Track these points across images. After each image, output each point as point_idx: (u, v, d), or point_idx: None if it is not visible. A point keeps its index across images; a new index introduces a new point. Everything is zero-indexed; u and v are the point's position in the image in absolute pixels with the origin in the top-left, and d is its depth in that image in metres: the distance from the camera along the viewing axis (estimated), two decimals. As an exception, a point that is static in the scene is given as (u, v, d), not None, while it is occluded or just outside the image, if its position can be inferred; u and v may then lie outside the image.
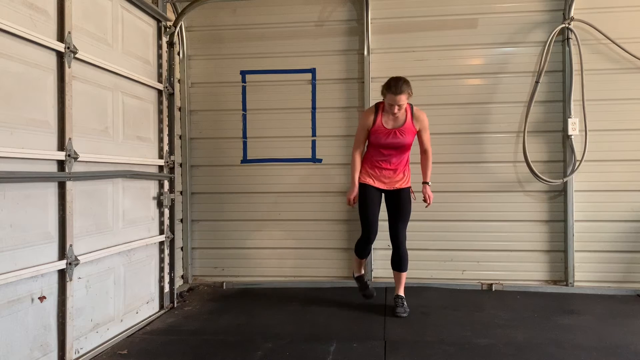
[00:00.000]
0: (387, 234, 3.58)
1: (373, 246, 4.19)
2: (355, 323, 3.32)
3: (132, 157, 3.28)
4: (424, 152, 3.57)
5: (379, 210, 3.57)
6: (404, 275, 3.59)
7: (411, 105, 3.47)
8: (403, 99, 3.28)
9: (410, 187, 3.56)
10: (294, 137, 4.35)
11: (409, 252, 3.56)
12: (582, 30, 3.99)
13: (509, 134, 4.14)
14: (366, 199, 3.53)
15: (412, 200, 3.55)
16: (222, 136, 4.42)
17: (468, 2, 4.12)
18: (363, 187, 3.54)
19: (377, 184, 3.53)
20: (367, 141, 3.55)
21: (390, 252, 3.60)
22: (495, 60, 4.14)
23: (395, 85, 3.26)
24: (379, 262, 4.22)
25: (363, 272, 3.82)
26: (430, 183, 3.58)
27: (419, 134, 3.49)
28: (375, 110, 3.45)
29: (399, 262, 3.55)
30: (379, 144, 3.47)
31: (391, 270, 3.63)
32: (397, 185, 3.54)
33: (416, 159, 3.62)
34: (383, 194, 3.57)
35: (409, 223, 3.55)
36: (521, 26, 4.10)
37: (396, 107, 3.31)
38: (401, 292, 3.57)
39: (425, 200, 3.58)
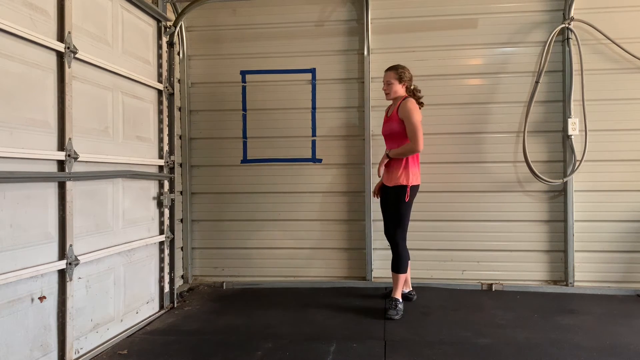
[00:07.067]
0: (387, 234, 3.60)
1: (373, 246, 4.20)
2: (355, 323, 3.32)
3: (132, 157, 3.28)
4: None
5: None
6: (400, 277, 3.52)
7: (406, 98, 3.49)
8: (389, 75, 3.54)
9: (400, 186, 3.42)
10: (294, 137, 4.35)
11: (409, 252, 3.54)
12: (582, 30, 3.99)
13: (509, 134, 4.14)
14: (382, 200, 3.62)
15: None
16: (222, 136, 4.42)
17: (468, 2, 4.13)
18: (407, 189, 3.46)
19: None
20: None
21: (389, 252, 3.61)
22: (495, 60, 4.14)
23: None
24: (379, 262, 4.22)
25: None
26: (389, 155, 3.47)
27: (404, 123, 3.40)
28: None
29: (392, 262, 3.54)
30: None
31: (390, 270, 3.62)
32: (385, 181, 3.54)
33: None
34: None
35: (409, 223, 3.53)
36: (521, 26, 4.10)
37: (385, 84, 3.54)
38: (397, 295, 3.51)
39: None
